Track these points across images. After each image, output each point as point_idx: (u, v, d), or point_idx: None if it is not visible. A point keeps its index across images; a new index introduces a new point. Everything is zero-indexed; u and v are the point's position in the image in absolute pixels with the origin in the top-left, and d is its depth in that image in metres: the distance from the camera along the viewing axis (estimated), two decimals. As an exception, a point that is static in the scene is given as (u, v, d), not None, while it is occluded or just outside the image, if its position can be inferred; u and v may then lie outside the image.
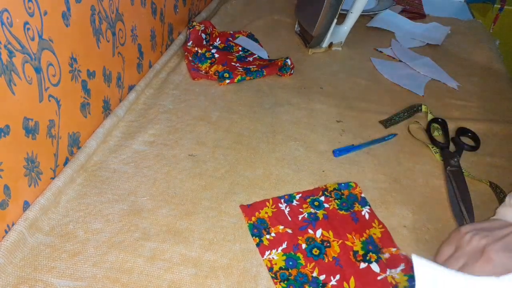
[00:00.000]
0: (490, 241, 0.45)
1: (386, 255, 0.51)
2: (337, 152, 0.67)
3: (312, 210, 0.57)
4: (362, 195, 0.59)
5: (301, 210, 0.57)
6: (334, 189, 0.60)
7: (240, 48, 0.94)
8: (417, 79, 0.88)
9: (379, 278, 0.48)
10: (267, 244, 0.52)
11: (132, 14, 0.73)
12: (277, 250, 0.51)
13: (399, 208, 0.58)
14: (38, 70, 0.51)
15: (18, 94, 0.48)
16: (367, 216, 0.56)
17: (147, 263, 0.49)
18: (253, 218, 0.55)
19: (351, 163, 0.65)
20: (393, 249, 0.52)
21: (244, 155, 0.66)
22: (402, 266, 0.50)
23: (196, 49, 0.90)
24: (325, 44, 0.96)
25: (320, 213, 0.56)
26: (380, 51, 0.99)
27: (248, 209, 0.56)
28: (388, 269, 0.49)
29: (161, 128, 0.70)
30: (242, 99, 0.79)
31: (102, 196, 0.57)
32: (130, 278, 0.47)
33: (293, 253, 0.51)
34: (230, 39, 0.96)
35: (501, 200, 0.59)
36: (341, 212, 0.57)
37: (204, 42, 0.93)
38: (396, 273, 0.49)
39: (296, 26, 1.04)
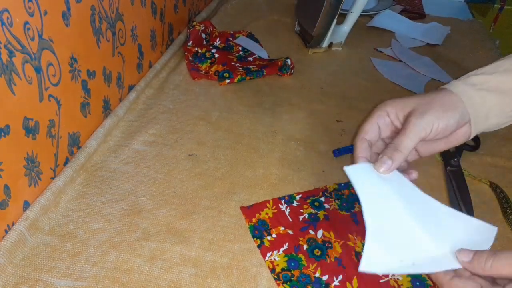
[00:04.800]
0: None
1: None
2: (337, 152, 0.67)
3: (313, 211, 0.57)
4: (362, 195, 0.59)
5: (301, 211, 0.56)
6: (334, 189, 0.60)
7: (240, 48, 0.93)
8: (417, 79, 0.88)
9: (381, 281, 0.48)
10: (268, 246, 0.52)
11: (132, 14, 0.73)
12: (278, 251, 0.51)
13: (399, 208, 0.58)
14: (38, 70, 0.51)
15: (18, 94, 0.48)
16: (367, 216, 0.56)
17: (147, 263, 0.49)
18: (254, 220, 0.55)
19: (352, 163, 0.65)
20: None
21: (244, 155, 0.66)
22: None
23: (196, 49, 0.90)
24: (325, 44, 0.96)
25: (320, 213, 0.56)
26: (380, 51, 0.99)
27: (249, 211, 0.56)
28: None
29: (161, 128, 0.70)
30: (242, 99, 0.79)
31: (102, 196, 0.57)
32: (130, 278, 0.47)
33: (294, 254, 0.51)
34: (230, 39, 0.96)
35: (501, 200, 0.59)
36: (341, 213, 0.57)
37: (204, 42, 0.93)
38: (399, 275, 0.49)
39: (296, 26, 1.04)
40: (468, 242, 0.41)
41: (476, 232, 0.43)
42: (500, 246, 0.53)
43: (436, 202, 0.45)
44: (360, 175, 0.47)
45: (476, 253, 0.39)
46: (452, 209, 0.45)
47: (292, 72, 0.87)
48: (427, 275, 0.42)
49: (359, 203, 0.44)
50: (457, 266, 0.40)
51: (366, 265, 0.41)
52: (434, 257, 0.41)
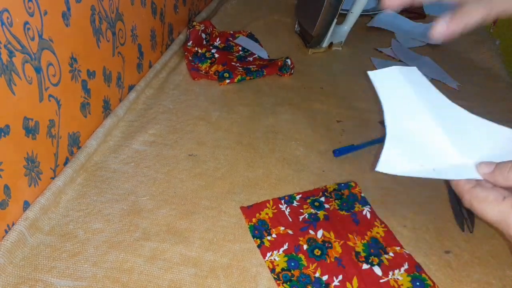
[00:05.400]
0: None
1: (390, 254, 0.51)
2: (337, 152, 0.67)
3: (313, 211, 0.57)
4: (362, 194, 0.59)
5: (301, 211, 0.56)
6: (334, 189, 0.60)
7: (240, 48, 0.93)
8: (417, 79, 0.88)
9: (381, 281, 0.48)
10: (268, 246, 0.52)
11: (132, 14, 0.73)
12: (278, 251, 0.51)
13: (399, 208, 0.58)
14: (38, 70, 0.51)
15: (18, 94, 0.48)
16: (368, 216, 0.56)
17: (147, 263, 0.49)
18: (254, 220, 0.55)
19: (351, 163, 0.65)
20: (397, 248, 0.52)
21: (244, 155, 0.66)
22: (405, 266, 0.50)
23: (196, 49, 0.90)
24: (325, 44, 0.96)
25: (320, 213, 0.56)
26: (380, 51, 0.99)
27: (249, 211, 0.56)
28: (390, 272, 0.49)
29: (161, 128, 0.70)
30: (242, 99, 0.79)
31: (102, 196, 0.57)
32: (130, 278, 0.47)
33: (294, 254, 0.51)
34: (230, 39, 0.96)
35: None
36: (341, 213, 0.57)
37: (204, 42, 0.93)
38: (399, 275, 0.49)
39: (296, 26, 1.04)
40: (497, 151, 0.39)
41: (508, 141, 0.40)
42: (501, 244, 0.53)
43: (465, 111, 0.42)
44: (384, 80, 0.44)
45: (498, 163, 0.38)
46: (484, 119, 0.42)
47: (292, 72, 0.87)
48: (448, 182, 0.40)
49: (382, 109, 0.42)
50: (479, 176, 0.38)
51: (383, 166, 0.38)
52: (457, 165, 0.40)
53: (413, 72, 0.44)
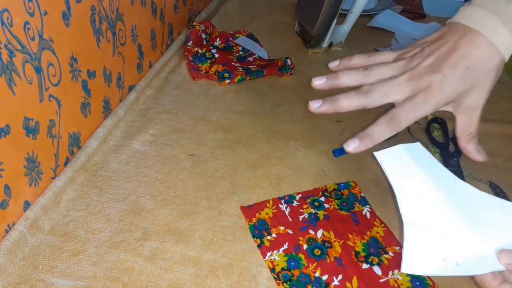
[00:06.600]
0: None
1: (390, 254, 0.51)
2: (337, 152, 0.67)
3: (313, 211, 0.57)
4: (362, 194, 0.59)
5: (301, 210, 0.57)
6: (334, 189, 0.60)
7: (240, 48, 0.94)
8: (417, 79, 0.88)
9: (381, 281, 0.49)
10: (268, 245, 0.52)
11: (132, 14, 0.73)
12: (278, 251, 0.51)
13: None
14: (38, 70, 0.51)
15: (18, 94, 0.48)
16: (368, 215, 0.56)
17: (147, 262, 0.49)
18: (254, 219, 0.55)
19: (351, 163, 0.65)
20: (397, 248, 0.52)
21: (244, 155, 0.66)
22: None
23: (196, 49, 0.90)
24: (325, 44, 0.96)
25: (320, 213, 0.56)
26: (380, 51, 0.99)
27: (249, 210, 0.56)
28: (390, 272, 0.49)
29: (161, 128, 0.70)
30: (242, 99, 0.79)
31: (102, 195, 0.57)
32: (131, 277, 0.48)
33: (294, 254, 0.51)
34: (230, 39, 0.96)
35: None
36: (341, 213, 0.57)
37: (204, 42, 0.93)
38: (399, 274, 0.49)
39: (296, 26, 1.04)
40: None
41: None
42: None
43: (475, 189, 0.42)
44: (391, 161, 0.45)
45: None
46: (494, 196, 0.41)
47: (292, 72, 0.87)
48: (472, 278, 0.39)
49: (393, 193, 0.42)
50: (502, 267, 0.37)
51: (407, 267, 0.39)
52: (478, 254, 0.39)
53: (417, 148, 0.45)
